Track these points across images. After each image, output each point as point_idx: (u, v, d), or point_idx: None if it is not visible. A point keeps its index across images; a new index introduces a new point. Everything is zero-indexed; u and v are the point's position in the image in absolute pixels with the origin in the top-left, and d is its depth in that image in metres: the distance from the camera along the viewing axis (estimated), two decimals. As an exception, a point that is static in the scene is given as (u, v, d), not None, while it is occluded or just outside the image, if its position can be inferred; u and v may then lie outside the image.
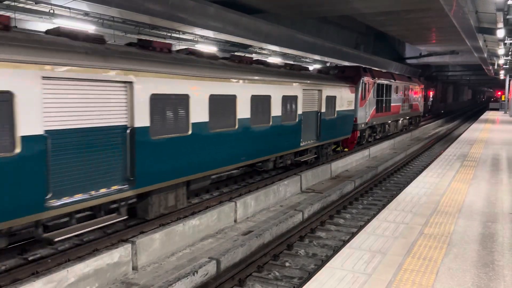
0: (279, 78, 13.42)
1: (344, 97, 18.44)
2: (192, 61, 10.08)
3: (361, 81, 20.89)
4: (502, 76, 50.08)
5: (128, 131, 8.19)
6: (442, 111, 65.42)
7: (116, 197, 8.13)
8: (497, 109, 56.97)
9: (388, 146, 24.89)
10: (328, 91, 16.81)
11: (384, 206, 12.80)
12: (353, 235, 10.37)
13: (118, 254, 7.65)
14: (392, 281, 5.19)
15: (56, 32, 7.71)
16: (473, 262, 5.76)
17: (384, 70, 31.91)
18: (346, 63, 32.40)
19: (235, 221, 10.95)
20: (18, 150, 6.30)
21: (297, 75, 14.83)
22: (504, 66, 38.02)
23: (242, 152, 11.80)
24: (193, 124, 9.80)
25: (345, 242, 9.88)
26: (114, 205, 8.44)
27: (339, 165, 17.78)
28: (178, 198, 10.24)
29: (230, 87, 11.07)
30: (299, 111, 14.70)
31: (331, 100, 17.21)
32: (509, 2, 14.73)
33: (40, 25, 14.57)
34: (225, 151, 11.03)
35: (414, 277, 5.29)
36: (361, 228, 10.82)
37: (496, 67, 41.45)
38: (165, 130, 9.05)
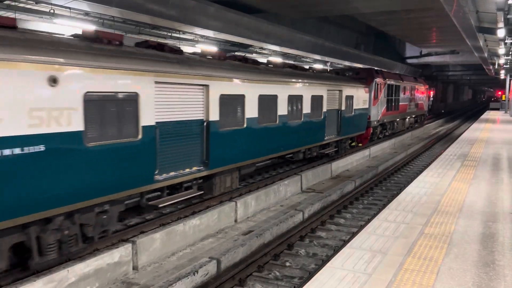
0: (309, 80, 15.27)
1: (360, 97, 20.21)
2: (246, 67, 12.00)
3: (374, 82, 22.73)
4: (502, 76, 50.09)
5: (205, 124, 10.14)
6: (443, 111, 65.43)
7: (196, 175, 10.01)
8: (497, 109, 56.95)
9: (388, 146, 24.90)
10: (347, 91, 18.60)
11: (384, 206, 12.80)
12: (353, 235, 10.37)
13: (118, 254, 7.66)
14: (393, 281, 5.19)
15: (145, 44, 9.16)
16: (474, 262, 5.76)
17: (392, 72, 33.71)
18: (347, 63, 32.41)
19: (236, 220, 10.95)
20: (140, 136, 8.20)
21: (322, 77, 16.65)
22: (504, 66, 38.02)
23: (281, 144, 13.72)
24: (247, 119, 11.72)
25: (346, 242, 9.88)
26: (188, 184, 10.24)
27: (340, 165, 17.78)
28: (233, 180, 12.09)
29: (273, 88, 12.95)
30: (324, 109, 16.50)
31: (350, 99, 19.00)
32: (509, 2, 14.72)
33: (41, 25, 14.57)
34: (269, 142, 12.95)
35: (414, 277, 5.29)
36: (361, 228, 10.82)
37: (496, 66, 41.46)
38: (228, 124, 10.91)
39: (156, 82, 8.54)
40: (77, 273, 6.95)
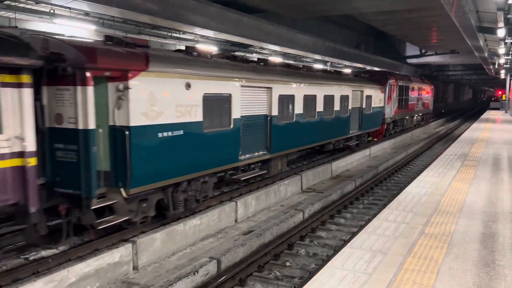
0: (339, 82, 17.79)
1: (377, 97, 22.76)
2: (296, 73, 14.70)
3: (388, 83, 25.21)
4: (502, 76, 50.09)
5: (268, 118, 12.75)
6: (443, 111, 65.45)
7: (261, 158, 12.64)
8: (497, 109, 56.90)
9: (388, 146, 24.89)
10: (367, 91, 21.17)
11: (384, 205, 12.78)
12: (353, 234, 10.36)
13: (118, 254, 7.66)
14: (393, 280, 5.19)
15: (221, 55, 11.59)
16: (474, 262, 5.76)
17: (402, 74, 35.94)
18: (346, 63, 32.42)
19: (236, 220, 10.95)
20: (231, 126, 10.89)
21: (348, 79, 19.13)
22: (504, 66, 38.02)
23: (318, 136, 16.31)
24: (296, 114, 14.24)
25: (346, 242, 9.87)
26: (253, 165, 12.77)
27: (340, 165, 17.78)
28: (282, 165, 14.76)
29: (313, 89, 15.38)
30: (349, 107, 18.94)
31: (369, 99, 21.54)
32: (509, 2, 14.72)
33: (41, 25, 14.57)
34: (309, 134, 15.49)
35: (414, 277, 5.29)
36: (361, 227, 10.81)
37: (496, 66, 41.46)
38: (283, 118, 13.45)
39: (242, 86, 11.29)
40: (77, 273, 6.95)
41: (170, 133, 8.87)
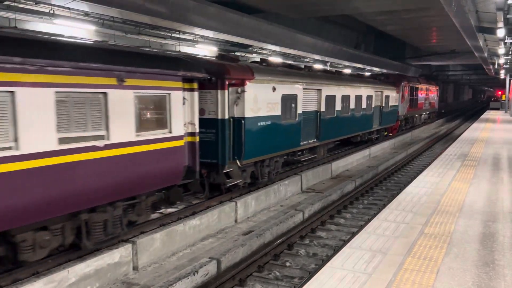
0: (366, 84, 21.23)
1: (393, 97, 26.24)
2: (337, 77, 18.09)
3: (402, 84, 28.48)
4: (502, 76, 50.04)
5: (318, 113, 15.94)
6: (443, 111, 65.51)
7: (312, 145, 15.77)
8: (497, 109, 56.88)
9: (388, 146, 24.90)
10: (386, 92, 24.61)
11: (384, 205, 12.79)
12: (353, 234, 10.37)
13: (118, 254, 7.66)
14: (393, 280, 5.19)
15: (283, 65, 15.46)
16: (474, 262, 5.76)
17: (412, 76, 39.90)
18: (346, 63, 32.43)
19: (236, 221, 10.96)
20: (297, 119, 14.04)
21: (372, 82, 22.83)
22: (504, 66, 37.99)
23: (350, 129, 19.54)
24: (336, 110, 17.44)
25: (346, 242, 9.87)
26: (305, 150, 15.90)
27: (340, 165, 17.78)
28: (324, 152, 18.08)
29: (348, 90, 18.63)
30: (373, 105, 22.21)
31: (387, 98, 24.90)
32: (509, 2, 14.71)
33: (40, 26, 14.57)
34: (344, 127, 18.57)
35: (414, 277, 5.29)
36: (361, 227, 10.82)
37: (496, 66, 41.42)
38: (328, 114, 16.67)
39: (303, 88, 14.49)
40: (77, 273, 6.95)
41: (264, 123, 12.20)
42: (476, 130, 24.59)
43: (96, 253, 7.62)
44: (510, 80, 45.26)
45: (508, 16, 17.00)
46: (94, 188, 7.17)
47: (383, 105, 24.04)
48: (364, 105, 20.73)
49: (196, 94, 9.75)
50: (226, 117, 10.99)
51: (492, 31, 21.59)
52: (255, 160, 12.02)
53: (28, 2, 12.67)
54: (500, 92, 71.38)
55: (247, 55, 24.78)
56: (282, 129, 13.21)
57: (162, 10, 14.57)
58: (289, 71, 14.24)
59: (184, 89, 9.37)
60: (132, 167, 7.89)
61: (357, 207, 13.11)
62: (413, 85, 31.66)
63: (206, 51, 21.44)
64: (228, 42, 21.10)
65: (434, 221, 7.48)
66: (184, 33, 18.01)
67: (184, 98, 9.34)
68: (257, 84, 11.73)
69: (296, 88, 13.96)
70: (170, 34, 18.28)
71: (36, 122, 6.25)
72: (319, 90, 15.79)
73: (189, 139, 9.64)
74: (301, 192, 14.32)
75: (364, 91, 20.77)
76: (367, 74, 27.77)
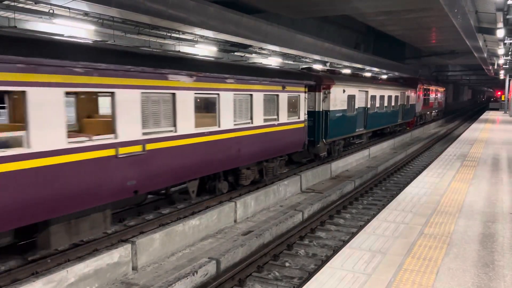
0: (394, 86, 26.94)
1: (412, 96, 31.78)
2: (378, 82, 24.55)
3: (418, 86, 33.67)
4: (502, 76, 50.02)
5: (365, 109, 21.18)
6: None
7: (361, 132, 21.05)
8: (497, 109, 56.90)
9: (388, 146, 24.90)
10: (407, 92, 30.14)
11: (384, 206, 12.79)
12: (353, 235, 10.36)
13: (118, 254, 7.65)
14: (392, 281, 5.19)
15: (346, 73, 22.29)
16: (473, 262, 5.76)
17: (425, 79, 44.52)
18: (346, 63, 32.43)
19: (235, 221, 10.95)
20: (354, 112, 19.69)
21: (397, 84, 28.58)
22: (504, 66, 37.99)
23: (384, 122, 25.22)
24: (376, 107, 22.96)
25: (345, 242, 9.87)
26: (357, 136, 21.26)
27: (339, 165, 17.78)
28: (367, 138, 23.16)
29: (383, 91, 24.20)
30: (398, 103, 27.82)
31: (408, 98, 30.49)
32: (509, 2, 14.73)
33: (40, 25, 14.56)
34: (381, 120, 24.33)
35: (414, 277, 5.28)
36: (361, 228, 10.81)
37: (496, 67, 41.44)
38: (372, 109, 22.10)
39: (358, 90, 19.75)
40: (76, 273, 6.94)
41: (338, 114, 17.71)
42: (475, 131, 24.60)
43: (96, 253, 7.61)
44: (509, 80, 45.25)
45: (507, 16, 17.01)
46: (272, 148, 13.07)
47: (405, 103, 29.71)
48: (393, 103, 26.42)
49: (304, 94, 15.00)
50: (320, 109, 16.80)
51: (491, 31, 21.61)
52: (332, 140, 17.69)
53: (28, 2, 12.66)
54: (499, 93, 71.35)
55: (247, 55, 24.77)
56: (346, 119, 18.78)
57: (161, 9, 14.56)
58: (351, 78, 20.29)
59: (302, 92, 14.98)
60: (287, 137, 13.96)
61: (356, 207, 13.11)
62: (426, 87, 37.22)
63: (206, 51, 21.47)
64: (227, 42, 21.09)
65: (434, 221, 7.48)
66: (183, 33, 18.00)
67: (305, 98, 14.98)
68: (336, 88, 17.43)
69: (354, 90, 19.54)
70: (169, 34, 18.27)
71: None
72: (367, 91, 21.36)
73: (301, 125, 14.79)
74: (300, 193, 14.31)
75: (393, 92, 26.27)
76: (384, 76, 34.71)
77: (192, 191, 10.57)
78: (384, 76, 40.06)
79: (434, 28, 35.15)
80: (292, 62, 29.08)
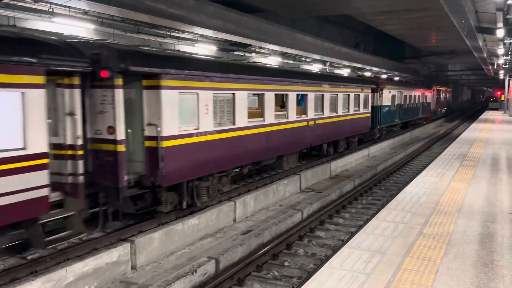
0: (418, 87, 34.30)
1: (428, 96, 39.07)
2: (409, 84, 33.86)
3: (433, 87, 41.30)
4: (501, 76, 50.00)
5: (400, 105, 28.43)
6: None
7: (397, 122, 28.53)
8: (496, 109, 56.90)
9: (387, 146, 24.91)
10: (426, 92, 37.49)
11: (383, 205, 12.78)
12: (352, 234, 10.36)
13: (117, 253, 7.65)
14: (391, 281, 5.19)
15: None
16: (473, 262, 5.76)
17: (437, 82, 52.66)
18: (345, 63, 32.45)
19: (235, 220, 10.95)
20: (394, 108, 27.40)
21: (419, 85, 35.86)
22: (503, 66, 37.97)
23: (410, 115, 31.72)
24: (406, 103, 30.04)
25: (344, 242, 9.86)
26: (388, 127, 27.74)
27: (339, 165, 17.78)
28: (399, 127, 29.87)
29: (410, 92, 30.71)
30: (419, 101, 34.82)
31: (426, 97, 37.80)
32: (508, 2, 14.71)
33: (40, 24, 14.54)
34: (408, 114, 30.99)
35: (413, 277, 5.28)
36: (360, 227, 10.81)
37: (495, 67, 41.40)
38: (404, 105, 29.36)
39: (397, 91, 27.26)
40: (75, 272, 6.94)
41: (386, 109, 24.90)
42: (475, 131, 24.61)
43: (95, 252, 7.61)
44: (509, 80, 45.26)
45: (507, 16, 16.98)
46: (355, 128, 20.65)
47: (424, 102, 36.75)
48: (416, 101, 33.44)
49: (371, 94, 22.65)
50: (377, 105, 24.11)
51: (491, 31, 21.59)
52: (382, 127, 25.04)
53: (27, 0, 12.63)
54: (499, 93, 71.33)
55: (246, 54, 24.75)
56: (390, 112, 26.29)
57: (161, 8, 14.54)
58: (392, 82, 29.01)
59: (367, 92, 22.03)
60: (362, 122, 21.35)
61: (356, 207, 13.11)
62: (438, 88, 46.00)
63: (206, 50, 21.47)
64: (227, 42, 21.07)
65: (433, 221, 7.48)
66: (183, 32, 17.98)
67: (370, 97, 22.48)
68: (386, 90, 24.81)
69: (395, 91, 26.74)
70: (169, 33, 18.24)
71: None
72: (401, 92, 28.43)
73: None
74: (300, 192, 14.31)
75: (417, 92, 33.54)
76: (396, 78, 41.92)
77: (325, 149, 18.37)
78: (397, 78, 44.02)
79: (434, 28, 35.15)
80: (292, 62, 29.05)
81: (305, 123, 15.44)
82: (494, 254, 6.06)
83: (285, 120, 14.03)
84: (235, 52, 23.64)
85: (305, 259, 9.03)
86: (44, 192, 6.98)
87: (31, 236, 7.52)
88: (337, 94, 18.14)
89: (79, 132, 7.73)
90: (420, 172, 15.62)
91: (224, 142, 10.90)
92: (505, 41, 22.18)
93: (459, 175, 11.50)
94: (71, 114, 7.66)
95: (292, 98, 14.37)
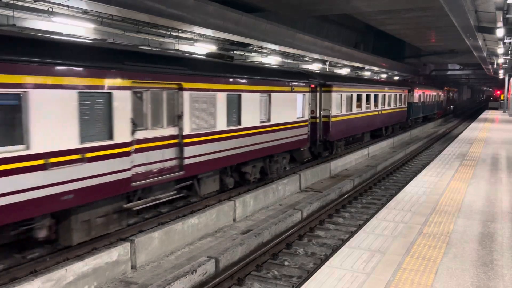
0: (434, 88, 43.76)
1: (441, 95, 47.42)
2: (425, 85, 44.74)
3: (444, 89, 50.27)
4: (501, 75, 50.04)
5: (423, 102, 38.09)
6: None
7: (420, 116, 37.89)
8: (496, 108, 56.91)
9: (387, 145, 24.91)
10: (439, 93, 45.70)
11: (383, 205, 12.78)
12: (352, 234, 10.36)
13: (116, 253, 7.65)
14: (391, 280, 5.19)
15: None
16: (472, 262, 5.76)
17: (447, 85, 62.84)
18: (345, 62, 32.46)
19: (234, 220, 10.95)
20: (419, 104, 37.33)
21: (435, 87, 45.50)
22: (503, 65, 37.99)
23: (429, 110, 41.10)
24: (421, 101, 37.50)
25: (344, 241, 9.87)
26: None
27: (339, 164, 17.78)
28: (419, 121, 38.76)
29: (429, 92, 40.34)
30: (435, 100, 43.47)
31: (439, 96, 46.37)
32: (508, 1, 14.70)
33: (39, 24, 14.53)
34: (427, 109, 40.43)
35: (413, 277, 5.28)
36: (360, 227, 10.81)
37: (495, 66, 41.42)
38: (425, 102, 38.92)
39: (422, 91, 36.92)
40: (75, 272, 6.94)
41: (414, 105, 34.26)
42: (474, 130, 24.61)
43: (94, 251, 7.61)
44: (509, 79, 45.28)
45: (507, 16, 16.97)
46: (396, 119, 29.76)
47: (438, 100, 45.12)
48: (433, 100, 41.73)
49: (408, 94, 32.03)
50: (410, 102, 32.64)
51: (491, 30, 21.57)
52: (412, 118, 33.49)
53: (27, 0, 12.62)
54: (499, 92, 71.37)
55: (246, 53, 24.73)
56: (417, 108, 34.45)
57: (160, 8, 14.53)
58: (418, 84, 36.42)
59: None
60: (400, 114, 30.71)
61: (355, 206, 13.11)
62: (448, 89, 55.94)
63: (205, 49, 21.45)
64: (227, 41, 21.06)
65: (433, 220, 7.48)
66: (183, 31, 17.97)
67: (406, 95, 31.61)
68: (414, 91, 33.20)
69: (419, 92, 34.53)
70: (169, 33, 18.23)
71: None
72: (424, 91, 36.54)
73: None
74: (299, 191, 14.31)
75: (433, 92, 41.60)
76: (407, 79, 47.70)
77: (384, 131, 25.64)
78: (396, 78, 50.27)
79: (434, 27, 35.13)
80: (291, 61, 29.04)
81: (378, 112, 25.06)
82: (494, 253, 6.06)
83: (373, 109, 24.04)
84: (235, 52, 23.62)
85: (305, 259, 9.03)
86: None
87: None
88: (391, 94, 27.43)
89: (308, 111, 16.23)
90: (420, 171, 15.62)
91: (355, 120, 21.00)
92: (505, 41, 22.17)
93: (459, 174, 11.50)
94: (310, 104, 16.55)
95: (372, 97, 23.83)
